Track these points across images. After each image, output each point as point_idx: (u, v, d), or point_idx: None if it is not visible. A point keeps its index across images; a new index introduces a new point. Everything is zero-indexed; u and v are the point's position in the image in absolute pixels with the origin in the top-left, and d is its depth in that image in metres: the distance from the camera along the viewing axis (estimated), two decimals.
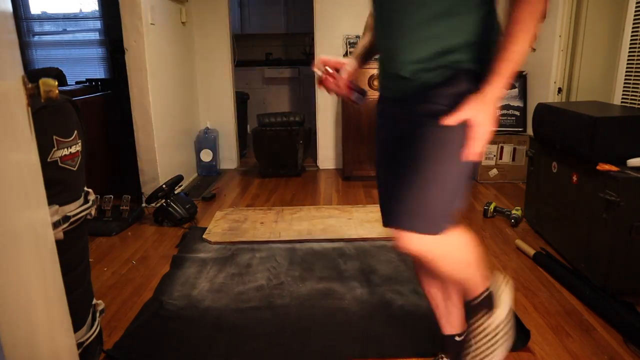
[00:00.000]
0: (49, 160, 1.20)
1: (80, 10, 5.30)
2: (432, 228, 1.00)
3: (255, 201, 3.25)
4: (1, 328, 0.62)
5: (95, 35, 5.33)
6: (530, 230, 2.63)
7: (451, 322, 1.33)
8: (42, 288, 0.86)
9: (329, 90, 1.24)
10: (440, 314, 1.34)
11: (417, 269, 1.33)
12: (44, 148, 1.18)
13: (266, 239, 2.51)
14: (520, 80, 3.67)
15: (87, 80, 3.98)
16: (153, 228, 2.75)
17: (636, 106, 2.27)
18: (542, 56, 3.42)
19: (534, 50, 3.55)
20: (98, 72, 5.35)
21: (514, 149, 3.58)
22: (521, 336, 1.63)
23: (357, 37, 3.75)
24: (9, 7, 0.85)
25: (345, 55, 3.73)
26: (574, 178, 2.12)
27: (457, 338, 1.34)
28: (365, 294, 1.93)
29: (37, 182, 0.92)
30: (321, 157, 4.19)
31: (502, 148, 3.59)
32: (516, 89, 3.67)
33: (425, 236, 0.99)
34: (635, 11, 2.28)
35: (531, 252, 2.27)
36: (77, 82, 3.83)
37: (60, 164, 1.23)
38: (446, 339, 1.35)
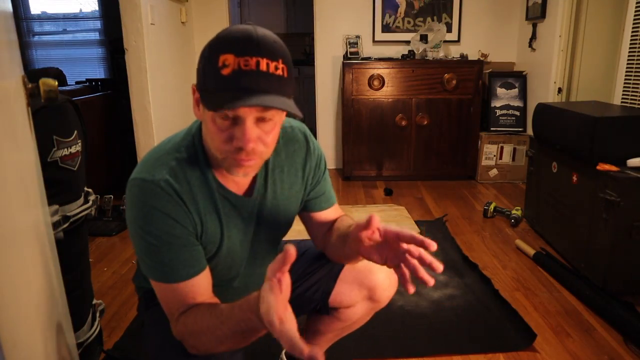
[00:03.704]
0: (49, 160, 1.20)
1: (80, 10, 5.30)
2: None
3: None
4: (1, 328, 0.62)
5: (95, 35, 5.32)
6: (530, 230, 2.63)
7: None
8: (42, 288, 0.86)
9: None
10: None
11: None
12: (44, 148, 1.18)
13: None
14: (520, 80, 3.67)
15: (87, 80, 3.98)
16: None
17: (636, 106, 2.27)
18: (542, 56, 3.42)
19: (533, 50, 3.55)
20: (98, 72, 5.35)
21: (514, 149, 3.58)
22: (524, 336, 1.64)
23: (357, 37, 3.75)
24: (9, 7, 0.85)
25: (345, 55, 3.73)
26: (574, 178, 2.11)
27: None
28: None
29: (37, 182, 0.92)
30: None
31: (502, 148, 3.59)
32: (516, 89, 3.67)
33: None
34: (635, 11, 2.28)
35: (531, 252, 2.27)
36: (77, 82, 3.83)
37: (60, 164, 1.23)
38: None
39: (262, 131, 0.80)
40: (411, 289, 0.76)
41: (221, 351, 0.84)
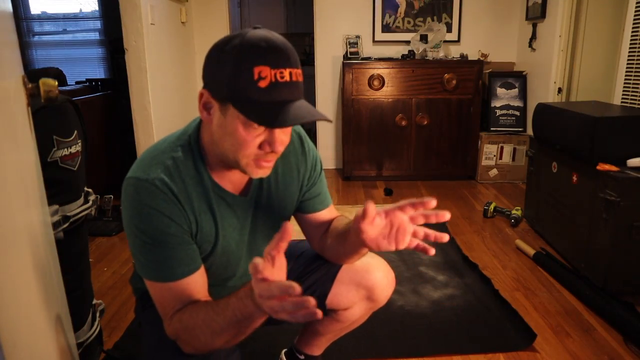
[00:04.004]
0: (49, 160, 1.20)
1: (80, 10, 5.30)
2: None
3: None
4: (1, 328, 0.62)
5: (95, 35, 5.32)
6: (530, 230, 2.63)
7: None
8: (42, 288, 0.86)
9: None
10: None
11: None
12: (44, 148, 1.18)
13: None
14: (520, 80, 3.67)
15: (87, 80, 3.98)
16: None
17: (636, 106, 2.27)
18: (542, 56, 3.42)
19: (533, 50, 3.55)
20: (98, 72, 5.35)
21: (514, 149, 3.58)
22: (524, 336, 1.64)
23: (357, 37, 3.75)
24: (9, 7, 0.85)
25: (345, 55, 3.73)
26: (574, 178, 2.11)
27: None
28: None
29: (37, 182, 0.92)
30: (321, 157, 4.19)
31: (502, 148, 3.59)
32: (516, 89, 3.67)
33: None
34: (635, 11, 2.28)
35: (531, 252, 2.27)
36: (77, 82, 3.83)
37: (60, 164, 1.23)
38: None
39: (284, 133, 0.84)
40: (431, 251, 0.80)
41: (216, 347, 0.84)
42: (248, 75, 0.76)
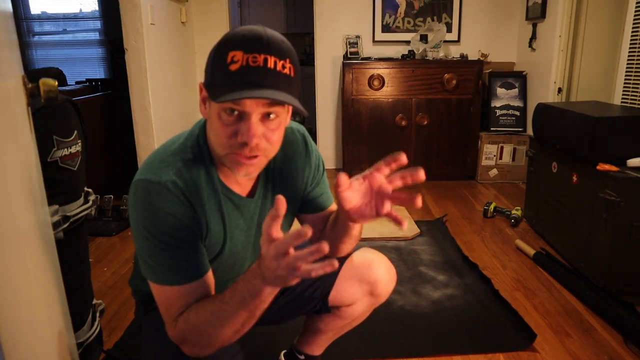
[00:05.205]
0: (49, 160, 1.20)
1: (80, 10, 5.30)
2: None
3: None
4: (1, 328, 0.62)
5: (95, 35, 5.32)
6: (530, 230, 2.63)
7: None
8: (42, 288, 0.86)
9: None
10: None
11: None
12: (44, 148, 1.18)
13: None
14: (520, 80, 3.67)
15: (87, 80, 3.98)
16: None
17: (636, 106, 2.27)
18: (542, 56, 3.42)
19: (533, 50, 3.55)
20: (98, 72, 5.35)
21: (514, 149, 3.58)
22: (524, 336, 1.64)
23: (357, 37, 3.75)
24: (9, 7, 0.84)
25: (345, 55, 3.73)
26: (574, 178, 2.11)
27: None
28: None
29: (37, 182, 0.92)
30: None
31: (502, 148, 3.59)
32: (516, 89, 3.67)
33: None
34: (635, 11, 2.28)
35: (531, 252, 2.27)
36: (77, 82, 3.82)
37: (60, 164, 1.23)
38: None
39: (267, 129, 0.80)
40: (405, 225, 0.76)
41: (226, 339, 0.82)
42: (222, 59, 0.76)
